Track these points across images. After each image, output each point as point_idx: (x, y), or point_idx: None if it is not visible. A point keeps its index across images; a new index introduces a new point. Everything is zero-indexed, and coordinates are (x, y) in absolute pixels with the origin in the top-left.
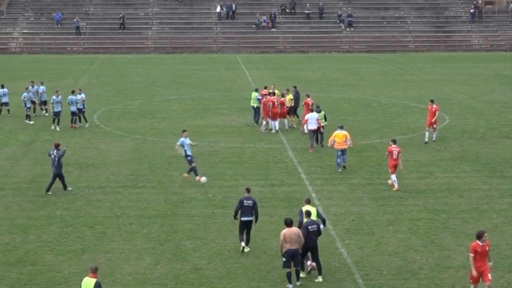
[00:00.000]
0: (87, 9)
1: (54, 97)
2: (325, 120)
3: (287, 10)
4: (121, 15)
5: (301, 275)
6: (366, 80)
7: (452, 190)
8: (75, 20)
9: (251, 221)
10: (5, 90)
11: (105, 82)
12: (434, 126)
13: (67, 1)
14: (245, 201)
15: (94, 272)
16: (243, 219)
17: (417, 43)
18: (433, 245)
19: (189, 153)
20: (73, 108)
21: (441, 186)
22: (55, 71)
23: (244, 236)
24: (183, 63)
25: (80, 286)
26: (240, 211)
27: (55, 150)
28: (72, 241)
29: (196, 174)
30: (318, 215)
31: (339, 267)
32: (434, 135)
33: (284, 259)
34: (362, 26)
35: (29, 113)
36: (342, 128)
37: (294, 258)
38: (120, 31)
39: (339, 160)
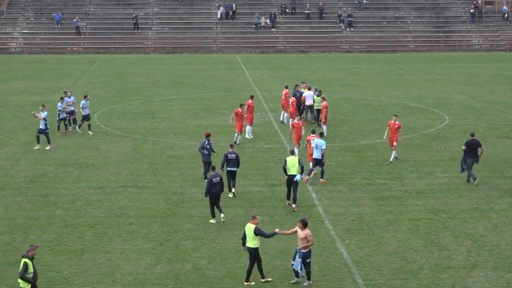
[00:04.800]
0: (87, 9)
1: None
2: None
3: (287, 10)
4: (134, 15)
5: (212, 221)
6: (366, 80)
7: (452, 190)
8: (75, 20)
9: (235, 171)
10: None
11: (105, 82)
12: (395, 144)
13: (67, 1)
14: (229, 155)
15: (254, 218)
16: (228, 169)
17: (417, 43)
18: (433, 245)
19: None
20: (87, 112)
21: (441, 186)
22: (55, 71)
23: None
24: (183, 63)
25: (244, 231)
26: (226, 163)
27: (207, 140)
28: (72, 241)
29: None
30: (299, 162)
31: (339, 267)
32: (393, 154)
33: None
34: (362, 26)
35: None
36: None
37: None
38: (133, 31)
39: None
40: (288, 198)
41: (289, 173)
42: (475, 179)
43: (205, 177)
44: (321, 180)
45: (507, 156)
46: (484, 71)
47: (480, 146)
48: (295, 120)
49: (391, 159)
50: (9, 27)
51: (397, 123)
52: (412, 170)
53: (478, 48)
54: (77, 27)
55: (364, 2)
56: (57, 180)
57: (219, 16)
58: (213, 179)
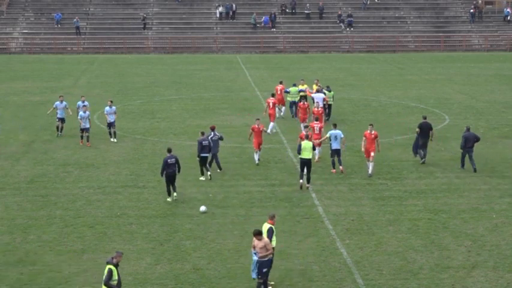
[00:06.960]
0: (87, 9)
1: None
2: (333, 100)
3: (287, 10)
4: (143, 16)
5: (168, 199)
6: (366, 80)
7: (452, 190)
8: (75, 20)
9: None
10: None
11: (105, 82)
12: (372, 154)
13: (67, 1)
14: (169, 160)
15: (272, 218)
16: (202, 155)
17: (417, 43)
18: (433, 245)
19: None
20: (111, 119)
21: (441, 186)
22: (55, 71)
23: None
24: (183, 63)
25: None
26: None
27: (212, 133)
28: (72, 241)
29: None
30: (313, 148)
31: (339, 267)
32: (370, 167)
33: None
34: (362, 26)
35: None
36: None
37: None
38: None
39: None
40: (301, 178)
41: (302, 156)
42: (422, 158)
43: (220, 168)
44: (340, 168)
45: (507, 156)
46: (484, 71)
47: (431, 129)
48: (304, 131)
49: (370, 172)
50: (9, 27)
51: (373, 132)
52: (412, 170)
53: (478, 48)
54: (77, 27)
55: (368, 2)
56: (57, 180)
57: (217, 15)
58: (168, 160)
